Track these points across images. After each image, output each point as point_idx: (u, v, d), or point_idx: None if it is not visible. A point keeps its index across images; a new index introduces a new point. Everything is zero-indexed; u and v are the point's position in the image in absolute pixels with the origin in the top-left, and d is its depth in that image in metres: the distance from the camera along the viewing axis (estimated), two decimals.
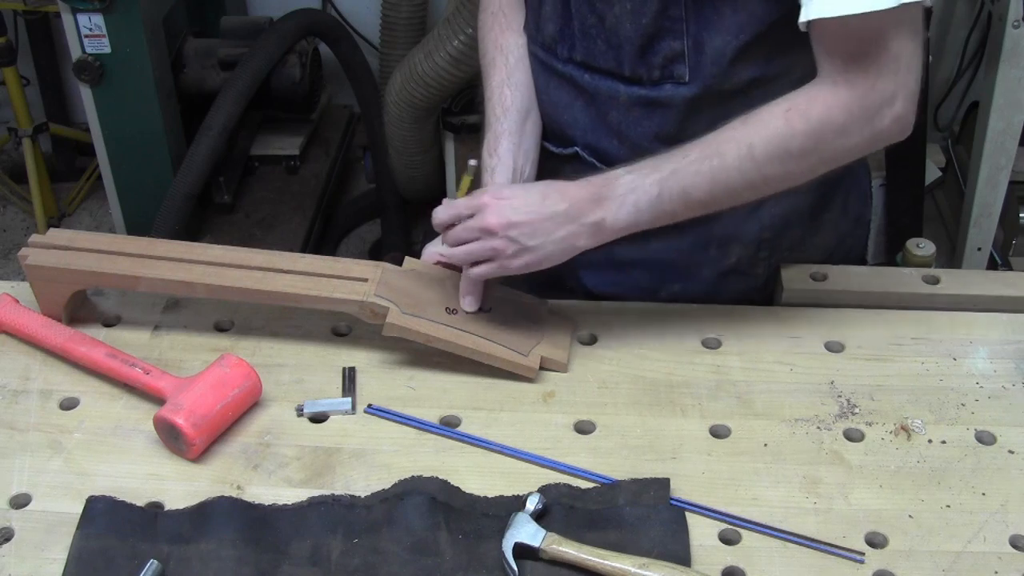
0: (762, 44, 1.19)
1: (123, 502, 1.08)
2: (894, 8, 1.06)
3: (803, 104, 1.14)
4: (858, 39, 1.10)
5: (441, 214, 1.21)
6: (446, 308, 1.26)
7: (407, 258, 1.32)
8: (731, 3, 1.17)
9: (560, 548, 1.02)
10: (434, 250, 1.31)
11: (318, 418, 1.21)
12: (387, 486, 1.10)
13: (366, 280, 1.25)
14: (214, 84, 2.83)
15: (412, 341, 1.24)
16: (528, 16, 1.37)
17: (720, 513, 1.09)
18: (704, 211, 1.20)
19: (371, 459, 1.15)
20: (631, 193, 1.17)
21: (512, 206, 1.18)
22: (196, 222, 2.83)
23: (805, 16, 1.10)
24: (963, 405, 1.22)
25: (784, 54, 1.20)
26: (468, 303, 1.26)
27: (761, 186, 1.18)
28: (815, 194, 1.36)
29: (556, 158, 1.40)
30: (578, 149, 1.36)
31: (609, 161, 1.33)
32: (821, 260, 1.41)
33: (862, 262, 1.52)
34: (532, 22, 1.35)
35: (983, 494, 1.11)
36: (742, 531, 1.07)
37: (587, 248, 1.21)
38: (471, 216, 1.19)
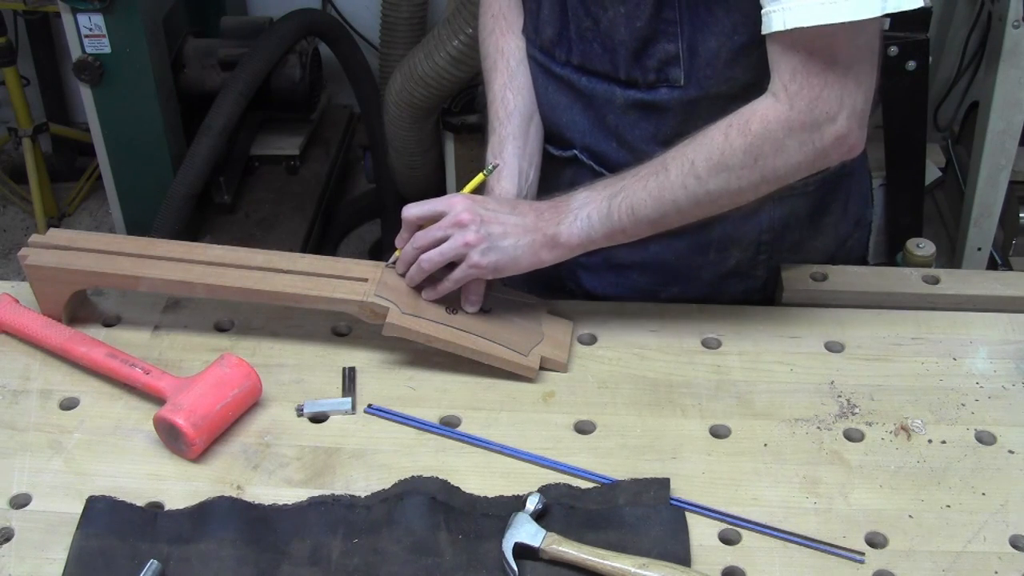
0: (757, 47, 1.19)
1: (123, 502, 1.08)
2: (848, 24, 1.04)
3: (744, 118, 1.14)
4: (807, 53, 1.09)
5: (412, 210, 1.23)
6: (446, 308, 1.26)
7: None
8: (724, 5, 1.17)
9: (560, 548, 1.02)
10: (412, 275, 1.26)
11: (318, 418, 1.21)
12: (387, 486, 1.11)
13: (366, 280, 1.25)
14: (214, 84, 2.83)
15: (412, 341, 1.24)
16: (527, 19, 1.37)
17: (720, 513, 1.09)
18: (654, 229, 1.21)
19: (371, 459, 1.15)
20: (584, 207, 1.21)
21: (484, 206, 1.21)
22: (196, 222, 2.82)
23: (767, 27, 1.09)
24: (963, 405, 1.22)
25: None
26: (469, 304, 1.26)
27: (706, 203, 1.18)
28: (814, 197, 1.36)
29: (556, 160, 1.40)
30: (577, 152, 1.36)
31: (608, 164, 1.33)
32: (821, 262, 1.41)
33: (863, 263, 1.51)
34: (530, 25, 1.35)
35: (983, 494, 1.11)
36: (742, 531, 1.07)
37: (551, 262, 1.23)
38: (443, 215, 1.21)
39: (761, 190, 1.17)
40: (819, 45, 1.08)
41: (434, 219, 1.22)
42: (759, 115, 1.13)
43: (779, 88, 1.12)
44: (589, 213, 1.20)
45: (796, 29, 1.06)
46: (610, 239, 1.22)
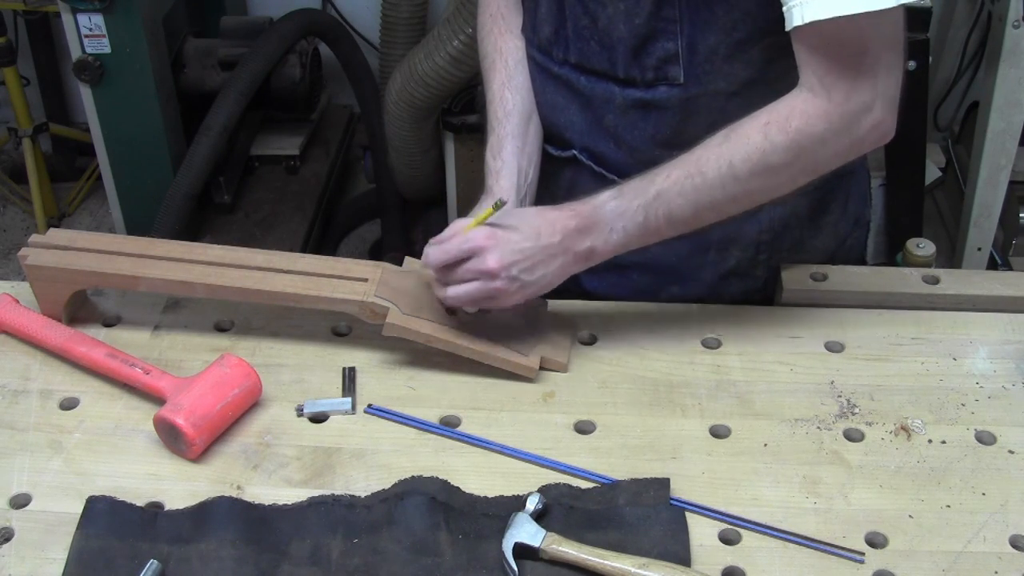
0: (757, 44, 1.19)
1: (123, 502, 1.08)
2: (874, 13, 1.05)
3: (782, 116, 1.13)
4: (838, 45, 1.10)
5: (435, 256, 1.19)
6: (446, 308, 1.26)
7: (407, 258, 1.32)
8: (725, 3, 1.17)
9: (560, 548, 1.02)
10: (441, 293, 1.24)
11: (318, 418, 1.21)
12: (387, 486, 1.11)
13: (366, 280, 1.25)
14: (214, 84, 2.83)
15: (412, 341, 1.24)
16: (525, 19, 1.37)
17: (720, 513, 1.09)
18: (690, 228, 1.20)
19: (371, 459, 1.15)
20: (619, 219, 1.18)
21: (510, 247, 1.17)
22: (196, 222, 2.82)
23: (790, 23, 1.09)
24: (963, 405, 1.22)
25: (783, 56, 1.20)
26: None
27: (744, 201, 1.18)
28: (814, 196, 1.36)
29: (555, 160, 1.40)
30: (576, 152, 1.36)
31: (607, 164, 1.33)
32: (821, 261, 1.41)
33: (862, 263, 1.52)
34: (529, 25, 1.35)
35: (983, 494, 1.11)
36: (742, 531, 1.07)
37: (578, 272, 1.21)
38: (468, 259, 1.17)
39: (799, 182, 1.18)
40: (848, 37, 1.09)
41: (459, 260, 1.18)
42: (798, 111, 1.13)
43: (814, 82, 1.12)
44: (625, 225, 1.18)
45: (823, 22, 1.06)
46: (643, 244, 1.21)
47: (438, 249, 1.19)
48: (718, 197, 1.16)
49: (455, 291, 1.19)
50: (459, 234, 1.19)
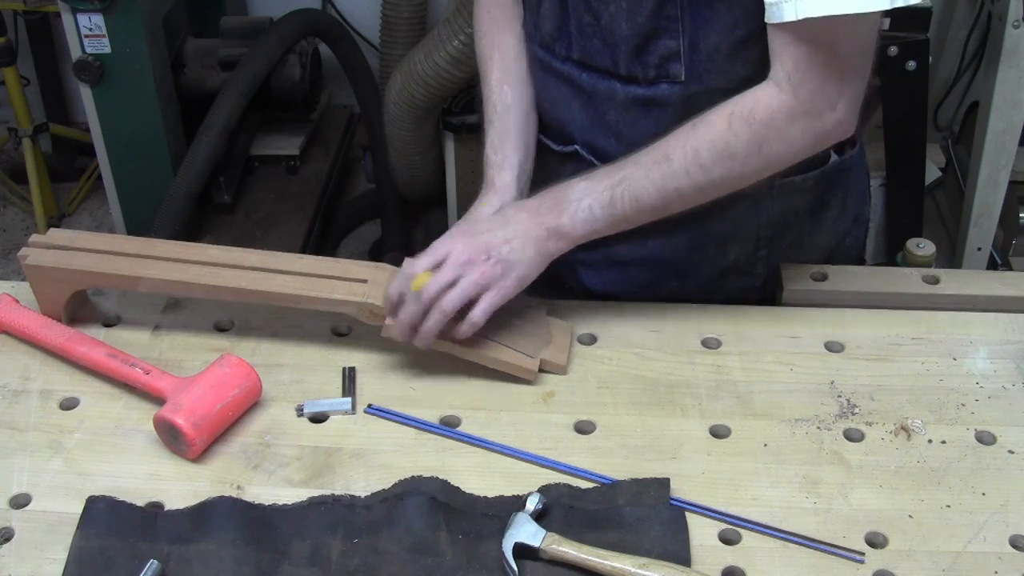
0: (757, 41, 1.19)
1: (123, 502, 1.08)
2: (851, 16, 1.07)
3: (747, 108, 1.16)
4: (811, 43, 1.11)
5: (416, 265, 1.19)
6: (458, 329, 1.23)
7: (407, 259, 1.32)
8: (726, 1, 1.18)
9: (560, 548, 1.02)
10: (430, 325, 1.20)
11: (318, 418, 1.21)
12: (387, 486, 1.11)
13: (365, 281, 1.25)
14: (214, 84, 2.83)
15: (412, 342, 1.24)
16: (527, 15, 1.37)
17: (720, 513, 1.09)
18: (656, 216, 1.23)
19: (371, 459, 1.15)
20: (585, 198, 1.21)
21: (477, 234, 1.20)
22: (196, 222, 2.82)
23: (779, 17, 1.10)
24: (963, 405, 1.22)
25: None
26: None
27: (709, 189, 1.20)
28: (814, 193, 1.36)
29: (556, 156, 1.40)
30: (577, 147, 1.37)
31: (608, 160, 1.33)
32: (820, 259, 1.41)
33: (860, 262, 1.52)
34: (531, 20, 1.35)
35: (983, 494, 1.11)
36: (742, 531, 1.07)
37: (559, 253, 1.23)
38: (443, 262, 1.19)
39: (763, 175, 1.21)
40: (824, 36, 1.10)
41: (437, 266, 1.20)
42: (763, 104, 1.15)
43: (782, 77, 1.14)
44: (591, 204, 1.21)
45: (803, 20, 1.08)
46: (613, 228, 1.23)
47: (414, 260, 1.20)
48: (683, 184, 1.19)
49: (449, 296, 1.18)
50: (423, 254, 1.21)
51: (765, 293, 1.41)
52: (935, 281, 1.38)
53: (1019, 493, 1.11)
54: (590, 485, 1.12)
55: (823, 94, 1.13)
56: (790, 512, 1.09)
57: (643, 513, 1.07)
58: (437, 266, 1.20)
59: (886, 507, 1.10)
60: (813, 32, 1.10)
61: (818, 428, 1.19)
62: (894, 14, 1.10)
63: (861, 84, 1.16)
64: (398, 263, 1.30)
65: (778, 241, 1.38)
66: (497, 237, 1.21)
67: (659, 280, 1.40)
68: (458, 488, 1.10)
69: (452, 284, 1.18)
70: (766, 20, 1.12)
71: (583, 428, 1.20)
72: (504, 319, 1.27)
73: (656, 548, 1.04)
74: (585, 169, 1.35)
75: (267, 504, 1.09)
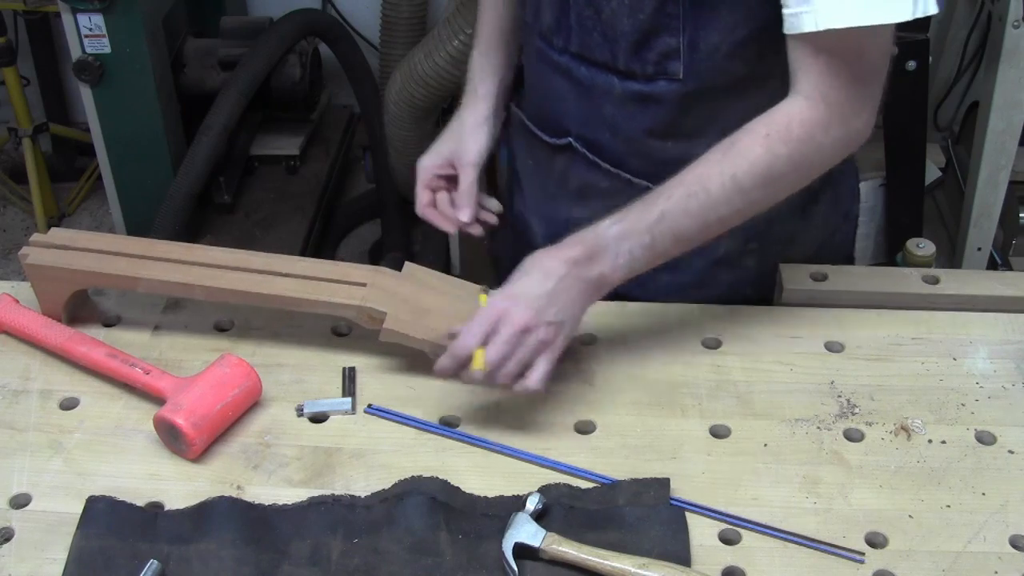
0: (756, 41, 1.19)
1: (123, 502, 1.08)
2: (874, 25, 1.07)
3: (782, 126, 1.14)
4: (839, 53, 1.11)
5: (469, 340, 1.12)
6: (448, 335, 1.19)
7: (407, 263, 1.31)
8: (728, 1, 1.18)
9: (560, 548, 1.02)
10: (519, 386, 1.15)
11: (318, 418, 1.21)
12: (387, 486, 1.11)
13: (364, 284, 1.25)
14: (214, 84, 2.83)
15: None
16: (527, 5, 1.37)
17: (720, 513, 1.09)
18: (696, 245, 1.19)
19: (371, 459, 1.15)
20: (623, 242, 1.15)
21: (529, 296, 1.13)
22: (196, 222, 2.82)
23: (797, 28, 1.10)
24: (963, 405, 1.22)
25: (773, 52, 1.20)
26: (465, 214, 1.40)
27: (748, 212, 1.19)
28: (805, 187, 1.36)
29: (549, 147, 1.40)
30: (571, 140, 1.37)
31: (602, 153, 1.33)
32: (810, 253, 1.42)
33: (850, 258, 1.53)
34: (530, 11, 1.36)
35: (983, 494, 1.11)
36: (742, 531, 1.07)
37: (598, 299, 1.19)
38: (494, 331, 1.13)
39: (798, 188, 1.19)
40: (847, 46, 1.10)
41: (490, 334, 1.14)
42: (797, 120, 1.13)
43: (811, 90, 1.13)
44: (631, 248, 1.16)
45: (828, 31, 1.07)
46: (651, 265, 1.19)
47: (467, 334, 1.13)
48: (724, 212, 1.16)
49: (507, 371, 1.12)
50: (473, 317, 1.14)
51: (760, 289, 1.41)
52: (935, 281, 1.38)
53: (1019, 493, 1.11)
54: (590, 485, 1.12)
55: (850, 102, 1.13)
56: (790, 512, 1.09)
57: (643, 513, 1.07)
58: (486, 336, 1.13)
59: (886, 507, 1.10)
60: (836, 42, 1.09)
61: (818, 428, 1.19)
62: None
63: (881, 87, 1.16)
64: (398, 264, 1.30)
65: (769, 235, 1.38)
66: (543, 300, 1.13)
67: (650, 272, 1.40)
68: (458, 488, 1.10)
69: (507, 356, 1.13)
70: (785, 31, 1.11)
71: (583, 428, 1.20)
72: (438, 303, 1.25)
73: (656, 548, 1.04)
74: (579, 162, 1.36)
75: (267, 504, 1.09)
